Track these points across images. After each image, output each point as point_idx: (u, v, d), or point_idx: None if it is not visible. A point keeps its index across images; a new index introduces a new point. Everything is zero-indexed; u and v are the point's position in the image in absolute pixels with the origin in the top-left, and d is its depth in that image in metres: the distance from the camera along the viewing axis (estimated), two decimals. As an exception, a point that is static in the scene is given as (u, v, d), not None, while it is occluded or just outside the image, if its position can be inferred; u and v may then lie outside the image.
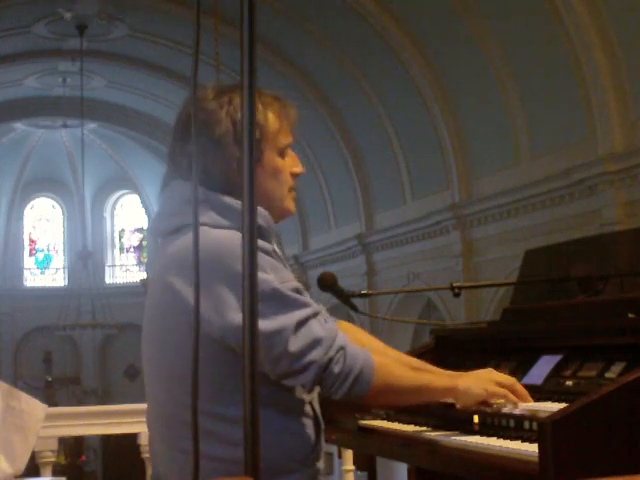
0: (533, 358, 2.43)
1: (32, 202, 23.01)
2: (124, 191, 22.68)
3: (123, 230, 23.24)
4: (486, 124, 10.55)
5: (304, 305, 1.99)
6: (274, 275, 1.97)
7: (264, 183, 2.11)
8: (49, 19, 13.64)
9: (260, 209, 2.05)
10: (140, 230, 23.04)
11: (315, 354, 1.95)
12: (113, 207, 23.06)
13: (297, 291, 2.00)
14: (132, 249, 23.18)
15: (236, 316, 1.90)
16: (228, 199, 2.04)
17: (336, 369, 1.97)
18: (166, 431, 2.05)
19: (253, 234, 1.37)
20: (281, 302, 1.95)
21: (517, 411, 2.17)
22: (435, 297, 12.03)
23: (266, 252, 2.00)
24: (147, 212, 22.26)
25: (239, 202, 2.04)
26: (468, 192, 11.19)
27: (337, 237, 14.57)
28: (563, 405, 1.99)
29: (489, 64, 10.04)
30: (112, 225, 23.15)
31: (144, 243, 23.02)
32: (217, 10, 8.76)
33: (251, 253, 1.37)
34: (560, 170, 9.20)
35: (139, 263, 23.08)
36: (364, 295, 2.85)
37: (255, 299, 1.37)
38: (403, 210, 12.68)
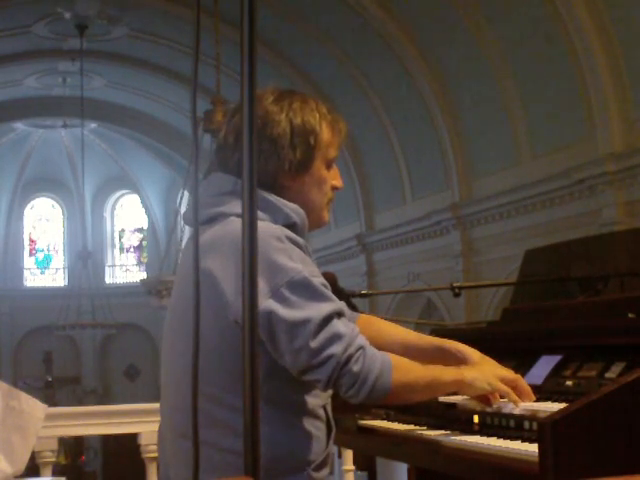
0: (533, 358, 2.43)
1: (32, 202, 23.00)
2: (124, 191, 22.67)
3: (123, 230, 23.23)
4: (486, 124, 10.55)
5: (331, 299, 2.00)
6: (302, 266, 1.98)
7: (309, 191, 2.16)
8: (49, 19, 13.64)
9: (298, 208, 2.10)
10: (140, 230, 23.04)
11: (334, 349, 1.95)
12: (113, 207, 23.05)
13: (324, 287, 2.01)
14: (132, 249, 23.17)
15: (264, 301, 1.92)
16: (267, 194, 2.06)
17: (355, 368, 1.97)
18: (181, 420, 2.04)
19: (253, 232, 1.36)
20: (310, 292, 1.96)
21: (517, 411, 2.17)
22: (435, 297, 12.03)
23: (297, 244, 2.03)
24: (147, 212, 22.27)
25: (280, 199, 2.09)
26: (468, 192, 11.19)
27: (337, 237, 14.56)
28: (563, 405, 1.99)
29: (489, 64, 10.04)
30: (112, 225, 23.14)
31: (144, 243, 23.01)
32: (217, 10, 8.77)
33: (251, 252, 1.36)
34: (560, 170, 9.20)
35: (139, 263, 23.08)
36: (364, 295, 2.86)
37: (255, 297, 1.37)
38: (403, 210, 12.68)
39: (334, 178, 2.22)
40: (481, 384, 2.18)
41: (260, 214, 2.01)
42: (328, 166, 2.19)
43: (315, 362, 1.95)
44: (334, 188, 2.22)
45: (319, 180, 2.17)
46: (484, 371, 2.23)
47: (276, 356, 1.97)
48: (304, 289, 1.96)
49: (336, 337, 1.96)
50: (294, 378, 2.00)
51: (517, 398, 2.18)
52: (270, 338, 1.95)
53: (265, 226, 1.98)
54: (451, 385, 2.18)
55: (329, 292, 2.02)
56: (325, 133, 2.16)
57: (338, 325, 1.97)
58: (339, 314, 2.00)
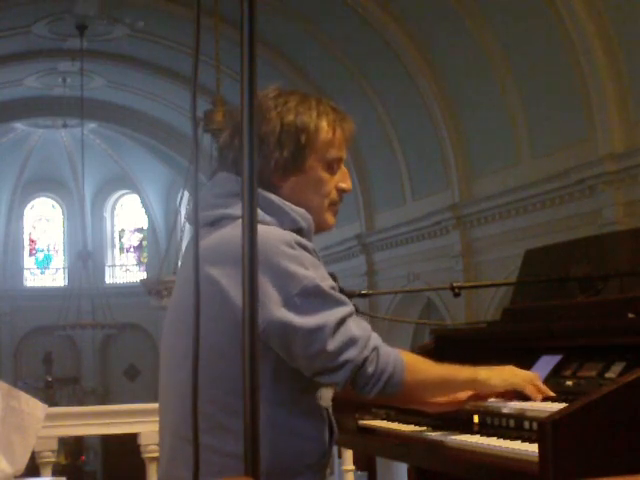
0: (533, 358, 2.43)
1: (32, 202, 23.00)
2: (124, 191, 22.67)
3: (123, 230, 23.22)
4: (486, 124, 10.54)
5: (343, 303, 2.00)
6: (314, 272, 1.97)
7: (303, 191, 2.09)
8: (49, 19, 13.64)
9: (303, 211, 2.06)
10: (140, 230, 23.04)
11: (351, 353, 1.96)
12: (113, 207, 23.05)
13: (334, 289, 2.01)
14: (132, 249, 23.17)
15: (277, 310, 1.91)
16: (271, 195, 2.03)
17: (370, 369, 1.98)
18: (181, 423, 2.02)
19: (253, 232, 1.36)
20: (323, 299, 1.96)
21: (510, 410, 2.17)
22: (435, 297, 12.02)
23: (307, 249, 2.00)
24: (147, 212, 22.27)
25: (286, 202, 2.05)
26: (468, 192, 11.19)
27: (337, 237, 14.56)
28: (563, 405, 1.99)
29: (489, 64, 10.04)
30: (112, 225, 23.14)
31: (144, 243, 23.01)
32: (217, 10, 8.77)
33: (251, 251, 1.36)
34: (560, 170, 9.19)
35: (139, 263, 23.08)
36: (364, 295, 2.85)
37: (255, 297, 1.37)
38: (403, 210, 12.68)
39: (342, 180, 2.14)
40: (496, 381, 2.19)
41: (267, 217, 1.99)
42: (329, 167, 2.11)
43: (332, 366, 1.96)
44: (340, 190, 2.14)
45: (315, 181, 2.09)
46: (500, 370, 2.24)
47: (289, 360, 1.97)
48: (316, 296, 1.95)
49: (352, 341, 1.96)
50: (299, 381, 2.00)
51: (534, 390, 2.18)
52: (284, 346, 1.95)
53: (274, 231, 1.97)
54: (465, 384, 2.19)
55: (339, 295, 2.01)
56: (323, 132, 2.10)
57: (352, 328, 1.98)
58: (352, 314, 2.01)
